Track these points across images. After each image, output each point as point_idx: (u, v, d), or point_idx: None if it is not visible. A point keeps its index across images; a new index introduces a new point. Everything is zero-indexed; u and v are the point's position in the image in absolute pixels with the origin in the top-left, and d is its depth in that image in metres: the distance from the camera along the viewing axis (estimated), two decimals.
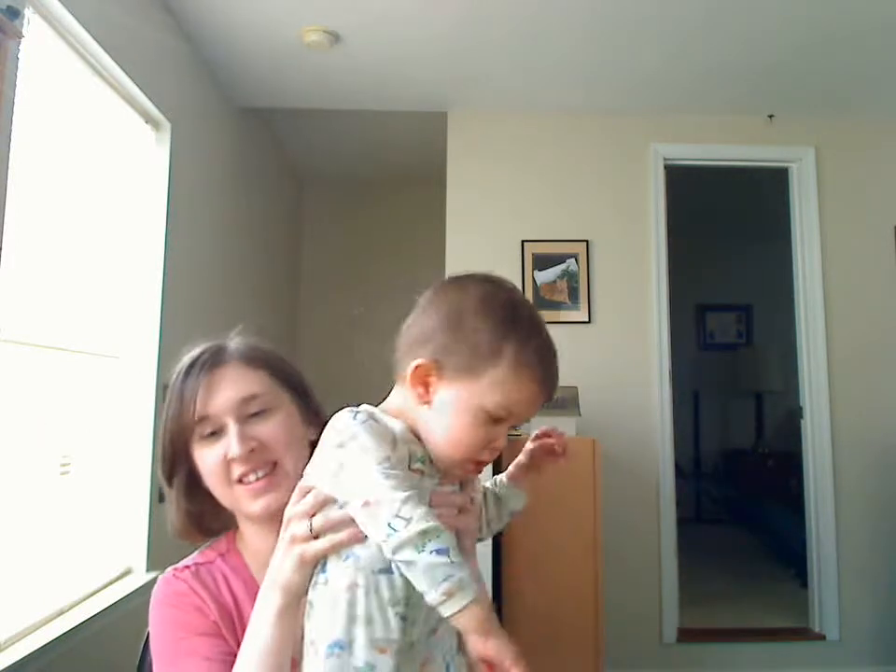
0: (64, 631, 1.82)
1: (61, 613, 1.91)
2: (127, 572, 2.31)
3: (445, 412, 0.76)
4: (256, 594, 0.83)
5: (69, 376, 2.02)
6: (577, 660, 2.45)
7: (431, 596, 0.65)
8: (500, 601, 2.45)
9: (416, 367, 0.76)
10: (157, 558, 2.33)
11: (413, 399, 0.77)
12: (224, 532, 0.97)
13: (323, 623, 0.72)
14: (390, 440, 0.73)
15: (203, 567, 0.92)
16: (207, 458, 0.89)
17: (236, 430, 0.88)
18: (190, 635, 0.84)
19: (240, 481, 0.88)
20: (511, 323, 0.76)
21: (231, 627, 0.85)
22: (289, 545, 0.76)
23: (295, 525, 0.76)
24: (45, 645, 1.73)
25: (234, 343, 0.96)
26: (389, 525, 0.67)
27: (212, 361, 0.92)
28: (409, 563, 0.66)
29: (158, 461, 0.94)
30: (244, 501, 0.89)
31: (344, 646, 0.70)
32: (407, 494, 0.68)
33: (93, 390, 2.16)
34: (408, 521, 0.67)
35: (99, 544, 2.18)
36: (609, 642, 2.53)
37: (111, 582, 2.21)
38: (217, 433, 0.89)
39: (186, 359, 0.94)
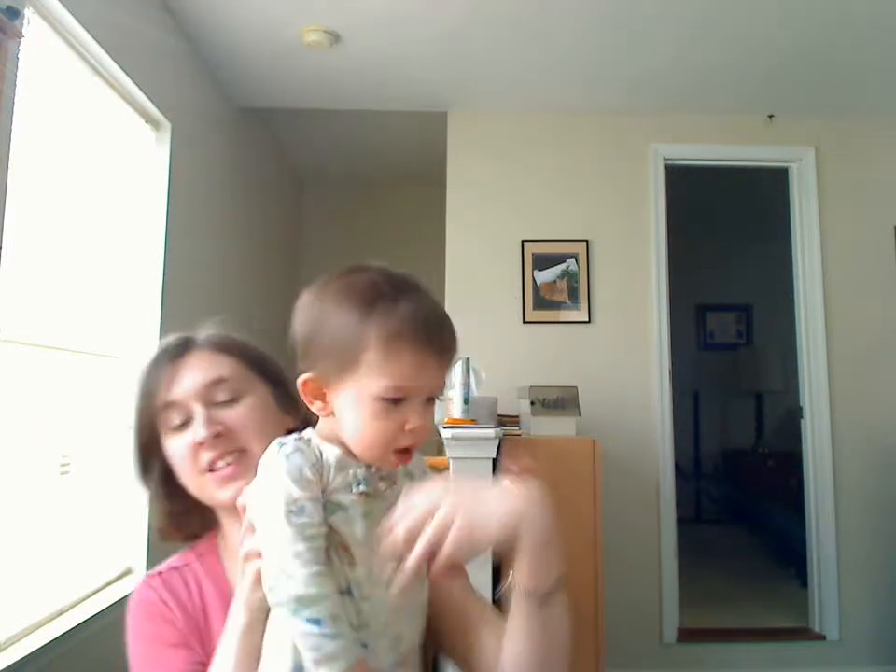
0: (64, 631, 1.82)
1: (61, 613, 1.91)
2: (127, 572, 2.31)
3: (347, 415, 0.73)
4: (227, 594, 0.84)
5: (69, 376, 2.02)
6: (577, 660, 2.44)
7: (306, 661, 0.66)
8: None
9: (302, 384, 0.75)
10: (157, 558, 2.33)
11: (317, 413, 0.76)
12: (207, 532, 0.96)
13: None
14: (311, 475, 0.71)
15: (177, 571, 0.91)
16: (176, 447, 0.88)
17: (203, 414, 0.86)
18: (163, 647, 0.83)
19: (210, 470, 0.87)
20: (371, 301, 0.71)
21: (198, 635, 0.85)
22: (244, 562, 0.75)
23: (248, 542, 0.75)
24: (45, 645, 1.73)
25: (204, 332, 0.95)
26: (275, 577, 0.68)
27: (179, 350, 0.91)
28: (286, 622, 0.67)
29: (132, 459, 0.93)
30: (212, 489, 0.87)
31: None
32: (299, 549, 0.67)
33: (93, 390, 2.16)
34: (290, 578, 0.67)
35: (99, 544, 2.18)
36: (609, 642, 2.53)
37: (111, 582, 2.21)
38: (185, 423, 0.88)
39: (154, 351, 0.93)
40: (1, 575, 1.70)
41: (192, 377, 0.88)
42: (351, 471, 0.74)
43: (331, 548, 0.71)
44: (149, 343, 2.38)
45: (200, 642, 0.84)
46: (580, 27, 2.61)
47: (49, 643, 1.74)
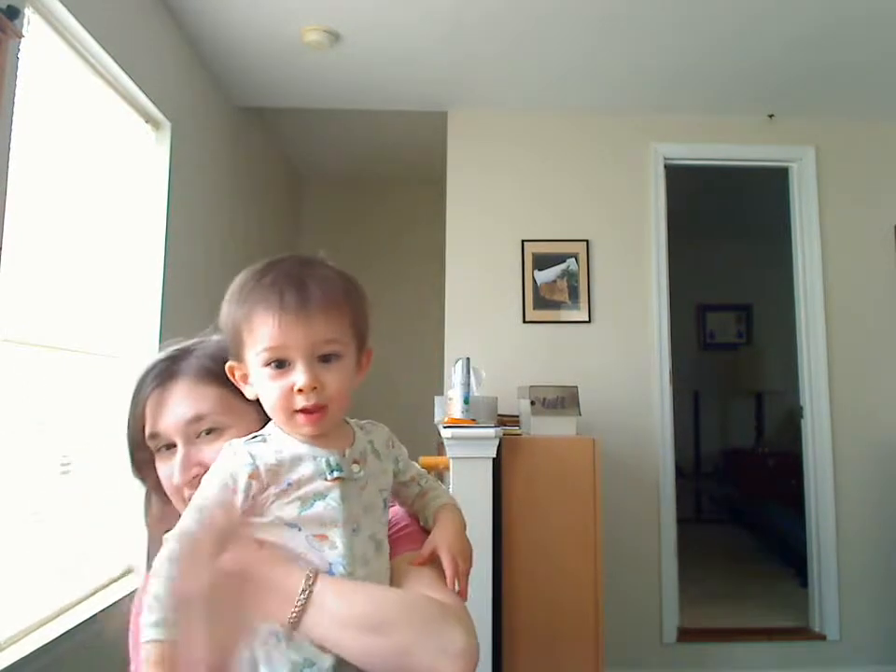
0: (64, 631, 1.82)
1: (61, 613, 1.91)
2: (127, 572, 2.31)
3: (258, 393, 0.78)
4: None
5: (69, 376, 2.02)
6: (577, 660, 2.45)
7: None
8: (500, 602, 2.45)
9: (229, 373, 0.81)
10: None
11: (252, 399, 0.80)
12: None
13: None
14: (246, 482, 0.73)
15: None
16: (161, 473, 0.89)
17: (181, 456, 0.85)
18: None
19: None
20: (246, 284, 0.77)
21: None
22: None
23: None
24: (45, 645, 1.73)
25: (193, 355, 0.91)
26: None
27: (163, 376, 0.89)
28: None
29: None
30: None
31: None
32: (198, 536, 0.70)
33: (93, 390, 2.16)
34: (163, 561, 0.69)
35: (99, 544, 2.18)
36: (610, 642, 2.53)
37: (111, 582, 2.21)
38: (171, 447, 0.87)
39: (143, 368, 0.92)
40: (1, 575, 1.70)
41: (174, 411, 0.87)
42: (323, 460, 0.76)
43: (305, 538, 0.74)
44: (149, 342, 2.39)
45: None
46: (579, 27, 2.61)
47: (48, 643, 1.74)
